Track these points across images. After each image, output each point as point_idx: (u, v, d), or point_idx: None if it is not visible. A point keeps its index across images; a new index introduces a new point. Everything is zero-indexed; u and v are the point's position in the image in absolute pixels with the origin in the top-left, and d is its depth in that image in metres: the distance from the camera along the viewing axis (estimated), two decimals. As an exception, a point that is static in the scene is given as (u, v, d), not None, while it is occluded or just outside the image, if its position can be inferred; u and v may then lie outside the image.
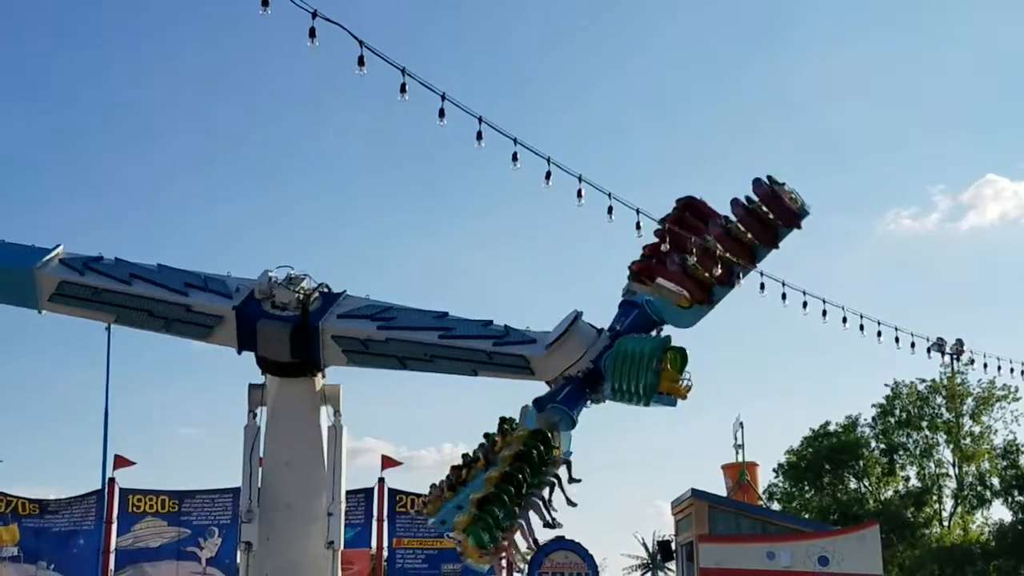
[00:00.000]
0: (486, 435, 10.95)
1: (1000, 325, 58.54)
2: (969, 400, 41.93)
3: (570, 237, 69.89)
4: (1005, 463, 41.14)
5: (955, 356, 38.57)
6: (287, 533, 11.55)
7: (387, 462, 21.98)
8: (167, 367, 70.95)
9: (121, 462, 21.24)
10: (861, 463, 42.01)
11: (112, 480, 21.15)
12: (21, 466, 62.35)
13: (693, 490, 20.81)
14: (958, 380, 41.60)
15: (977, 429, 41.83)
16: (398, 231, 73.09)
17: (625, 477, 69.00)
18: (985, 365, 16.11)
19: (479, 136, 8.51)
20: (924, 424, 41.90)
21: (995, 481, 41.32)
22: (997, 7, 69.43)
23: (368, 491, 21.40)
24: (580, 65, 74.93)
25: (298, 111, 72.98)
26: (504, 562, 9.91)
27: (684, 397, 10.30)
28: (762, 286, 11.00)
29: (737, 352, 63.95)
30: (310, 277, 11.74)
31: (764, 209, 10.98)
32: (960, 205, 71.43)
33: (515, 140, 8.72)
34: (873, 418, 42.79)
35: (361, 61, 7.76)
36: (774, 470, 42.76)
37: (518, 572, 10.40)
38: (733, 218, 11.03)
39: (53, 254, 11.59)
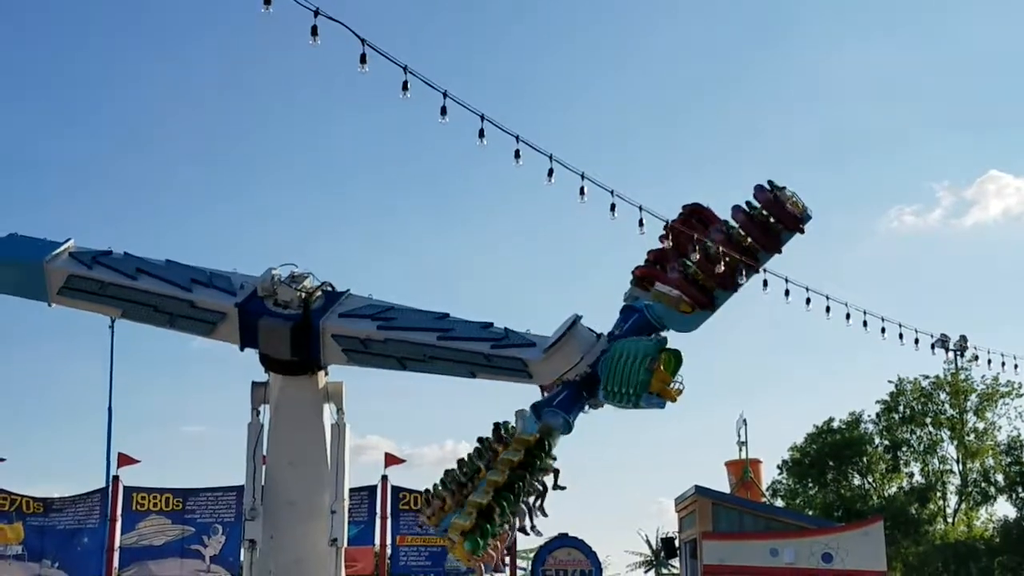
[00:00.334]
0: (480, 439, 10.84)
1: (1004, 321, 58.43)
2: (973, 396, 41.93)
3: (572, 235, 69.91)
4: (1009, 459, 41.13)
5: (959, 352, 38.60)
6: (291, 531, 11.55)
7: (390, 459, 22.01)
8: (170, 365, 71.03)
9: (125, 460, 21.27)
10: (865, 460, 42.02)
11: (116, 478, 21.18)
12: (25, 464, 62.41)
13: (697, 487, 20.83)
14: (962, 376, 41.59)
15: (981, 425, 41.83)
16: (400, 229, 73.07)
17: (629, 474, 69.03)
18: (989, 361, 16.11)
19: (481, 134, 8.51)
20: (928, 420, 41.89)
21: (999, 477, 41.32)
22: (1001, 3, 69.34)
23: (371, 489, 21.43)
24: (582, 63, 74.92)
25: (300, 109, 73.02)
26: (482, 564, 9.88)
27: (674, 400, 10.24)
28: (765, 283, 11.01)
29: (740, 349, 63.95)
30: (313, 275, 11.73)
31: (765, 214, 11.00)
32: (963, 201, 71.25)
33: (517, 138, 8.73)
34: (877, 415, 42.80)
35: (363, 59, 7.76)
36: (778, 467, 42.80)
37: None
38: (735, 224, 11.05)
39: (63, 248, 11.70)
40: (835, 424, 42.72)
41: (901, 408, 42.42)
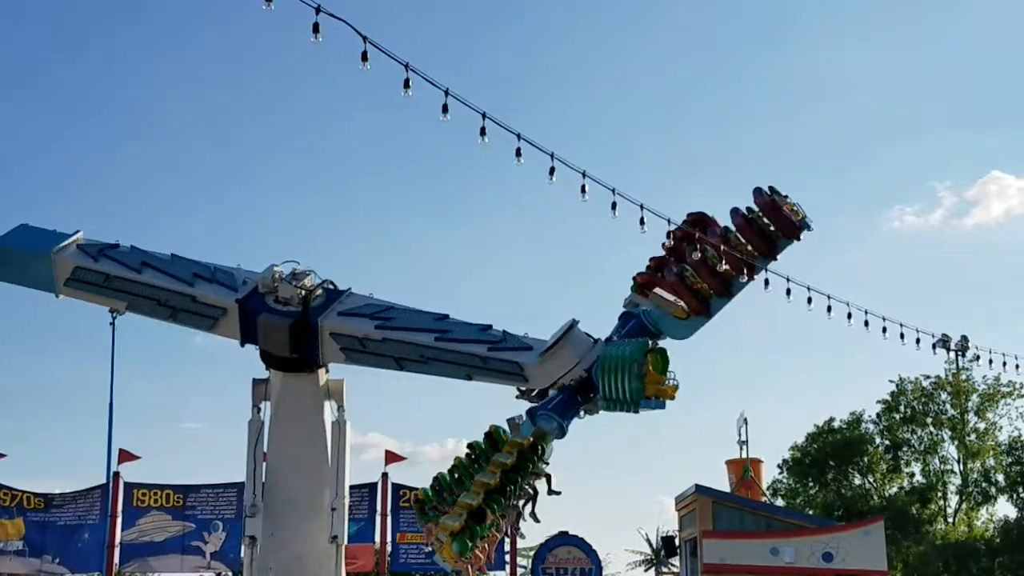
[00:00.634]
0: (470, 445, 10.72)
1: (1005, 321, 58.52)
2: (974, 396, 41.94)
3: (573, 233, 69.88)
4: (1010, 459, 41.15)
5: (960, 352, 38.66)
6: (291, 528, 11.55)
7: (391, 457, 22.02)
8: (171, 362, 71.08)
9: (125, 456, 21.27)
10: (866, 459, 42.04)
11: (117, 474, 21.17)
12: (26, 460, 62.68)
13: (697, 486, 20.80)
14: (963, 376, 41.60)
15: (982, 425, 41.84)
16: (400, 226, 73.07)
17: (629, 473, 69.06)
18: (990, 361, 16.12)
19: (483, 132, 8.50)
20: (929, 420, 41.90)
21: (1000, 478, 41.34)
22: (1002, 3, 69.26)
23: (372, 486, 21.44)
24: (583, 61, 74.92)
25: (300, 106, 73.05)
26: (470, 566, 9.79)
27: (672, 397, 10.21)
28: (767, 282, 11.00)
29: (741, 348, 63.98)
30: (315, 273, 11.72)
31: (764, 220, 10.98)
32: (965, 202, 71.44)
33: (519, 136, 8.73)
34: (878, 414, 42.81)
35: (364, 57, 7.75)
36: (778, 466, 42.81)
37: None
38: (733, 228, 11.04)
39: (72, 240, 11.76)
40: (836, 424, 42.72)
41: (902, 408, 42.42)
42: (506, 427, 10.36)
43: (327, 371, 11.87)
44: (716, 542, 19.73)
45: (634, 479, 68.28)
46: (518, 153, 8.79)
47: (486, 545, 9.70)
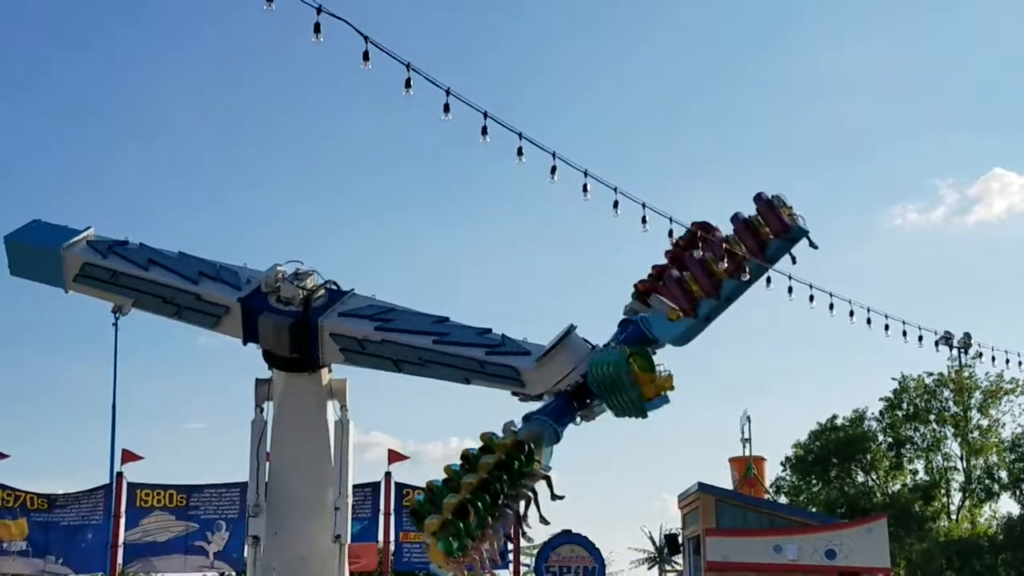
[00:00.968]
0: (463, 455, 10.61)
1: (1008, 318, 58.52)
2: (977, 393, 41.93)
3: (575, 232, 69.89)
4: (1013, 456, 41.15)
5: (962, 349, 38.56)
6: (294, 527, 11.55)
7: (394, 456, 22.02)
8: (174, 362, 71.12)
9: (129, 456, 21.29)
10: (868, 457, 42.02)
11: (120, 474, 21.18)
12: (30, 461, 62.66)
13: (700, 484, 20.81)
14: (966, 373, 41.59)
15: (985, 422, 41.84)
16: (401, 225, 73.12)
17: (632, 471, 69.13)
18: (993, 358, 16.15)
19: (484, 131, 8.50)
20: (932, 418, 41.90)
21: (1003, 474, 41.35)
22: (1003, 1, 69.20)
23: (375, 485, 21.44)
24: (584, 61, 74.91)
25: (302, 106, 73.05)
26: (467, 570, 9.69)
27: (671, 388, 10.17)
28: (768, 280, 11.00)
29: (744, 346, 63.98)
30: (317, 273, 11.72)
31: (760, 221, 11.01)
32: (967, 199, 71.44)
33: (520, 135, 8.73)
34: (880, 412, 42.82)
35: (366, 56, 7.76)
36: (781, 464, 42.83)
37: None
38: (733, 235, 11.06)
39: (82, 236, 11.87)
40: (839, 421, 42.72)
41: (905, 405, 42.42)
42: (500, 433, 10.30)
43: (329, 371, 11.87)
44: (719, 540, 19.74)
45: (637, 477, 68.43)
46: (519, 152, 8.79)
47: (484, 547, 9.61)
